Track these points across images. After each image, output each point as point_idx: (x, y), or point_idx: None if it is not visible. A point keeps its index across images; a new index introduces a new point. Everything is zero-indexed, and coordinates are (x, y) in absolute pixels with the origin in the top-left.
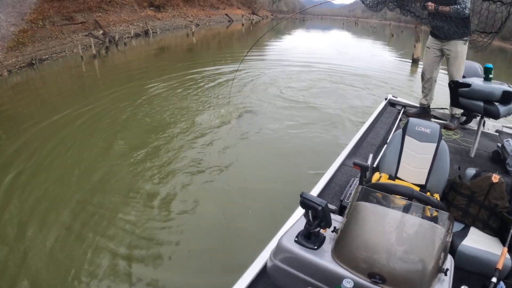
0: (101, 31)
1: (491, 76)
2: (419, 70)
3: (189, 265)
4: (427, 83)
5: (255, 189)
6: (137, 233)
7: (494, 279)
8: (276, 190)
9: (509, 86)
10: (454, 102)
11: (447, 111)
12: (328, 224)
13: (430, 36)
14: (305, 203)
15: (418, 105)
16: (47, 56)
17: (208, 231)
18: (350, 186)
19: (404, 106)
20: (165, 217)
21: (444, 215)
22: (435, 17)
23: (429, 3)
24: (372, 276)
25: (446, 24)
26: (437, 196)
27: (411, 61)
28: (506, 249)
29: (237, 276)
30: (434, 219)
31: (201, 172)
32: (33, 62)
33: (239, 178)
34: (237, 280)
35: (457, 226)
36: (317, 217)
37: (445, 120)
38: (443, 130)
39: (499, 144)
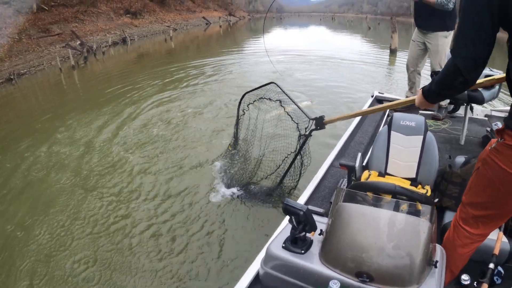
0: (79, 42)
1: None
2: (397, 60)
3: (181, 274)
4: (412, 75)
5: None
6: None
7: (491, 265)
8: None
9: (491, 70)
10: None
11: None
12: (312, 227)
13: (416, 29)
14: (288, 209)
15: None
16: (25, 70)
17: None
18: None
19: (391, 101)
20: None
21: (427, 208)
22: (419, 7)
23: None
24: (360, 275)
25: (429, 15)
26: (428, 188)
27: (389, 52)
28: (501, 233)
29: (231, 285)
30: (418, 213)
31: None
32: (12, 77)
33: None
34: None
35: (452, 216)
36: (300, 222)
37: (433, 111)
38: (431, 121)
39: (488, 129)
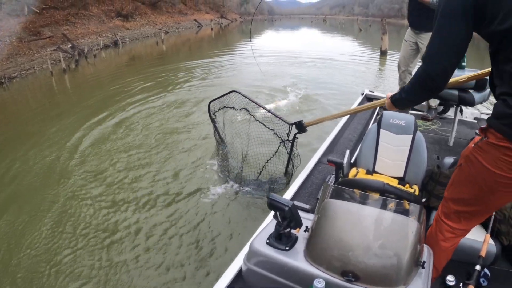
0: (70, 45)
1: (464, 64)
2: (388, 61)
3: (162, 273)
4: (403, 74)
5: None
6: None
7: (478, 267)
8: None
9: None
10: None
11: (424, 103)
12: (298, 224)
13: (408, 28)
14: (273, 204)
15: None
16: (16, 74)
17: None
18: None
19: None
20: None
21: (416, 207)
22: (414, 6)
23: None
24: (345, 274)
25: (423, 15)
26: (416, 188)
27: (379, 53)
28: (488, 235)
29: (213, 281)
30: (406, 212)
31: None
32: (2, 80)
33: None
34: (213, 285)
35: None
36: (285, 218)
37: (423, 111)
38: (421, 121)
39: (477, 131)
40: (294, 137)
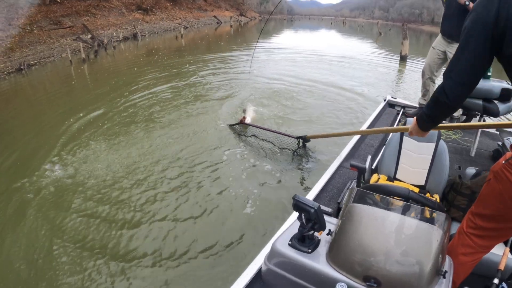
0: (90, 35)
1: (489, 73)
2: (408, 67)
3: (182, 267)
4: (426, 82)
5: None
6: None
7: (496, 280)
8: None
9: (508, 84)
10: None
11: None
12: (322, 227)
13: (439, 36)
14: (298, 205)
15: (417, 106)
16: (35, 61)
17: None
18: (348, 189)
19: (403, 106)
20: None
21: (441, 216)
22: (452, 13)
23: None
24: (367, 279)
25: (460, 23)
26: (436, 197)
27: (399, 58)
28: (508, 249)
29: (232, 280)
30: (431, 221)
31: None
32: (22, 67)
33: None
34: (231, 285)
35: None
36: (310, 220)
37: (445, 120)
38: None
39: (500, 143)
40: (304, 145)
